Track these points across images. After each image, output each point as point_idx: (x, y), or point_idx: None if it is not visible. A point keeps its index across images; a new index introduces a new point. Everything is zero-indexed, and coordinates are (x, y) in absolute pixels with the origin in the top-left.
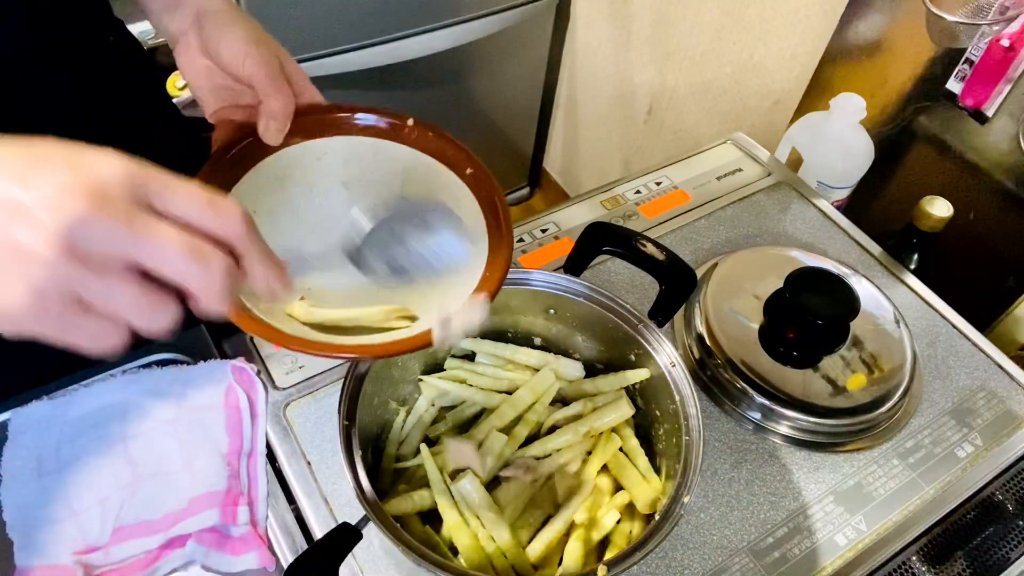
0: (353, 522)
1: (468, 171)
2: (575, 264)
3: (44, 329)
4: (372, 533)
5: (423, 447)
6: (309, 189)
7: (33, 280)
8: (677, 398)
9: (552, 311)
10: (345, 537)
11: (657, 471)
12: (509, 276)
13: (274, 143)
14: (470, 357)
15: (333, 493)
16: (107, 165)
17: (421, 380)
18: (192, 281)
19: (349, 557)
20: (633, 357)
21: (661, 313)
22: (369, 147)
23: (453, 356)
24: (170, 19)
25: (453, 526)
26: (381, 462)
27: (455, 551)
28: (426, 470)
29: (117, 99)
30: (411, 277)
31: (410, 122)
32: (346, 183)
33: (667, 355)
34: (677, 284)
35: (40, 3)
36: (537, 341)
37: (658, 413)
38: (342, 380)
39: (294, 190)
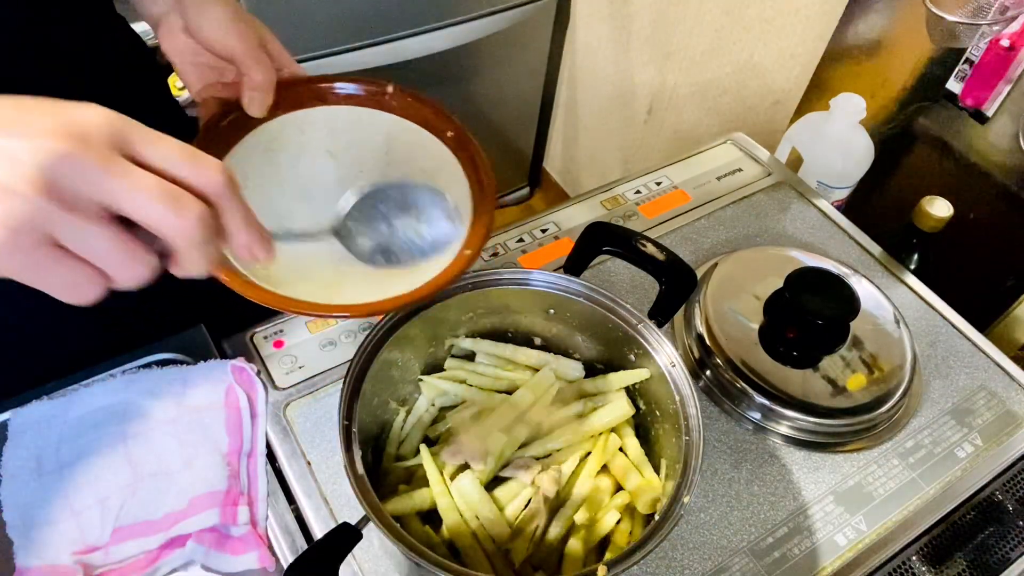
0: (353, 522)
1: (449, 134)
2: (575, 264)
3: (18, 269)
4: (372, 533)
5: (423, 447)
6: (295, 159)
7: (7, 214)
8: (677, 398)
9: (552, 311)
10: (345, 537)
11: (657, 471)
12: (509, 276)
13: (258, 115)
14: (470, 357)
15: (333, 493)
16: (89, 113)
17: (421, 380)
18: (166, 228)
19: (349, 557)
20: (633, 357)
21: (661, 313)
22: (352, 115)
23: (453, 356)
24: (152, 1)
25: (453, 526)
26: (381, 462)
27: (455, 551)
28: (426, 470)
29: (117, 99)
30: (398, 259)
31: (390, 89)
32: (331, 152)
33: (667, 355)
34: (677, 284)
35: (40, 3)
36: (537, 341)
37: (658, 413)
38: (342, 380)
39: (280, 161)
